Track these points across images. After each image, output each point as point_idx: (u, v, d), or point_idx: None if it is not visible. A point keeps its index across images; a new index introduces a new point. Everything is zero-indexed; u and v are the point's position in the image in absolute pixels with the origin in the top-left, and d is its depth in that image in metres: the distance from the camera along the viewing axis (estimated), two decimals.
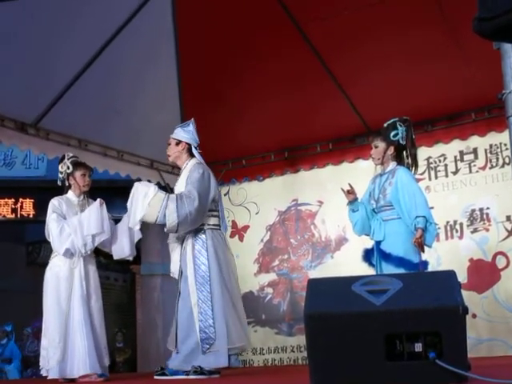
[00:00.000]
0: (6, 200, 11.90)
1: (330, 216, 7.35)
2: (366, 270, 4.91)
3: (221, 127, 7.22)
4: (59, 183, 5.53)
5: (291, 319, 7.43)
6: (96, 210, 5.28)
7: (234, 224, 7.98)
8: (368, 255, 4.97)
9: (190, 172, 4.87)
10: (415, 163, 4.98)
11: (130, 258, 5.60)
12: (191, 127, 5.04)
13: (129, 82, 6.50)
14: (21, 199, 11.78)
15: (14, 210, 11.71)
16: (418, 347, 2.53)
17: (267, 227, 7.79)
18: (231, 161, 7.84)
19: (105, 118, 6.63)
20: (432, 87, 6.20)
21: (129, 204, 4.86)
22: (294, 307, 7.44)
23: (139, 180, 7.46)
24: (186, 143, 5.02)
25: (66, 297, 5.22)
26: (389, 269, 4.61)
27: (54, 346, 5.13)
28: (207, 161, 7.60)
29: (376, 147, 4.98)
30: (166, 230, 4.80)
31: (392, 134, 4.91)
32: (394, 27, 5.70)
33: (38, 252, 12.80)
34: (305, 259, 7.49)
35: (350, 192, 5.02)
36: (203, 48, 6.40)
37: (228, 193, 8.06)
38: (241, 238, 7.92)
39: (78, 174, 5.46)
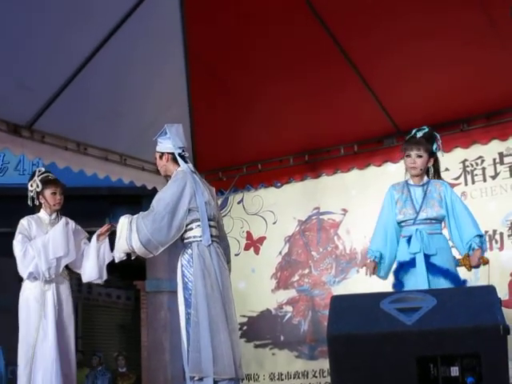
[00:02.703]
0: None
1: (356, 226, 7.31)
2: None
3: (233, 128, 7.25)
4: (29, 203, 5.72)
5: (313, 341, 7.39)
6: (61, 230, 5.51)
7: (249, 235, 7.97)
8: (401, 270, 5.04)
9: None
10: (440, 179, 5.32)
11: (100, 281, 5.80)
12: (169, 133, 5.12)
13: (132, 79, 6.52)
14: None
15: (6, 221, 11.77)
16: (455, 371, 2.52)
17: (286, 238, 7.77)
18: (245, 165, 7.82)
19: (106, 119, 6.64)
20: (469, 80, 6.17)
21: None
22: (316, 327, 7.40)
23: (144, 187, 7.51)
24: (168, 153, 5.13)
25: (36, 321, 5.39)
26: (440, 284, 4.76)
27: (20, 374, 5.35)
28: (218, 166, 7.74)
29: (420, 157, 5.17)
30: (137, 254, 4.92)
31: (434, 146, 5.21)
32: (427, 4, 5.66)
33: None
34: (328, 274, 7.46)
35: (367, 265, 5.24)
36: (213, 43, 6.44)
37: (242, 201, 8.05)
38: (256, 251, 7.91)
39: (47, 192, 5.68)
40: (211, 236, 4.94)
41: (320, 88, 6.62)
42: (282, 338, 7.59)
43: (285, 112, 6.95)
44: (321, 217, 7.61)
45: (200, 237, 4.90)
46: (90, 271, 5.67)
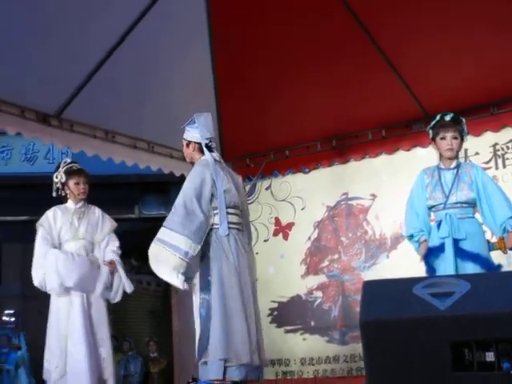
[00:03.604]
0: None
1: (385, 211, 7.25)
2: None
3: (260, 115, 7.20)
4: (54, 194, 5.80)
5: (344, 326, 7.36)
6: (82, 264, 5.54)
7: (278, 221, 7.94)
8: (431, 255, 4.99)
9: None
10: None
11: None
12: (197, 123, 5.13)
13: (160, 67, 6.51)
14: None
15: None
16: (490, 356, 2.47)
17: (315, 224, 7.73)
18: (273, 151, 7.78)
19: (133, 107, 6.64)
20: (496, 64, 6.07)
21: None
22: (346, 312, 7.37)
23: (172, 174, 7.51)
24: (195, 143, 5.14)
25: (65, 310, 5.47)
26: (469, 269, 4.71)
27: (55, 360, 5.40)
28: (246, 152, 7.70)
29: (456, 138, 5.12)
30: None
31: (465, 129, 5.18)
32: None
33: None
34: (357, 259, 7.41)
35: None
36: (238, 31, 6.41)
37: (270, 187, 8.02)
38: (285, 237, 7.88)
39: (71, 182, 5.76)
40: (231, 223, 4.94)
41: (347, 73, 6.57)
42: (312, 323, 7.57)
43: (312, 97, 6.90)
44: (349, 202, 7.56)
45: (218, 224, 4.91)
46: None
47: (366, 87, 6.68)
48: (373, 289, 2.78)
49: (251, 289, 4.96)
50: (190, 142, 5.17)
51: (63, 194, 5.79)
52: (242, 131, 7.49)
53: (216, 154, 5.17)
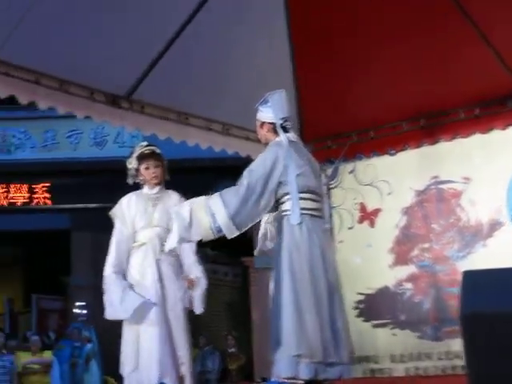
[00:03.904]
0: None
1: (480, 195, 7.09)
2: None
3: (341, 93, 7.16)
4: (128, 181, 5.79)
5: (437, 320, 7.25)
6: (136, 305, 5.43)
7: (363, 207, 7.85)
8: None
9: None
10: None
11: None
12: (270, 102, 5.09)
13: (234, 44, 6.52)
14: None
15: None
16: None
17: (403, 210, 7.61)
18: (356, 132, 7.70)
19: (207, 87, 6.67)
20: None
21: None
22: (439, 306, 7.25)
23: (249, 158, 7.51)
24: (269, 123, 5.12)
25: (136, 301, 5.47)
26: None
27: (128, 351, 5.45)
28: (327, 133, 7.65)
29: None
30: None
31: None
32: None
33: None
34: (450, 248, 7.27)
35: None
36: (317, 4, 6.39)
37: (354, 170, 7.93)
38: (371, 224, 7.78)
39: (142, 167, 5.72)
40: (304, 209, 4.88)
41: (436, 47, 6.48)
42: (402, 317, 7.47)
43: (397, 73, 6.82)
44: (440, 186, 7.43)
45: (290, 211, 4.88)
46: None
47: (457, 61, 6.58)
48: (474, 279, 2.71)
49: (328, 281, 4.88)
50: (263, 122, 5.15)
51: (138, 181, 5.79)
52: (323, 110, 7.44)
53: (292, 135, 5.13)
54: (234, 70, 6.68)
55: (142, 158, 5.73)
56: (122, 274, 5.60)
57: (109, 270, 5.60)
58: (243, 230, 4.89)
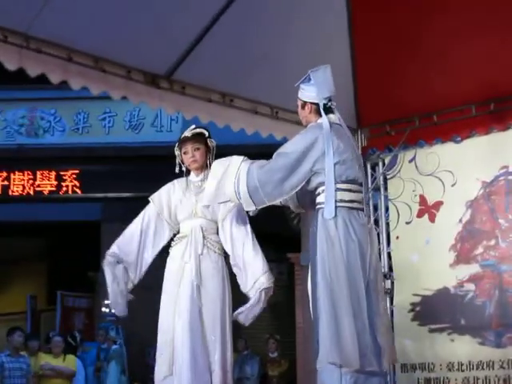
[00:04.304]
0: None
1: None
2: None
3: (402, 74, 7.17)
4: (177, 170, 5.81)
5: (500, 325, 7.23)
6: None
7: (423, 200, 7.83)
8: None
9: None
10: None
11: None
12: (313, 80, 5.12)
13: (286, 19, 6.53)
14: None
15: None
16: None
17: (467, 203, 7.58)
18: (417, 116, 7.68)
19: (255, 66, 6.70)
20: None
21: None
22: (504, 309, 7.23)
23: None
24: (312, 103, 5.14)
25: (173, 298, 5.54)
26: None
27: (160, 357, 5.53)
28: (385, 118, 7.67)
29: None
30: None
31: None
32: None
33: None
34: None
35: None
36: None
37: (414, 159, 7.90)
38: (431, 218, 7.77)
39: (182, 153, 5.75)
40: (342, 201, 4.89)
41: (510, 19, 6.42)
42: (462, 321, 7.47)
43: (464, 51, 6.82)
44: (510, 177, 7.40)
45: (324, 204, 4.90)
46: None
47: None
48: None
49: (367, 281, 4.88)
50: (305, 102, 5.18)
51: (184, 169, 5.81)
52: (381, 93, 7.45)
53: (336, 116, 5.12)
54: (284, 49, 6.68)
55: (181, 142, 5.74)
56: (121, 258, 5.67)
57: (111, 249, 5.74)
58: (261, 206, 4.96)
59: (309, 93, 5.14)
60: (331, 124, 5.00)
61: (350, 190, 4.95)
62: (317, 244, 4.85)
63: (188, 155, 5.70)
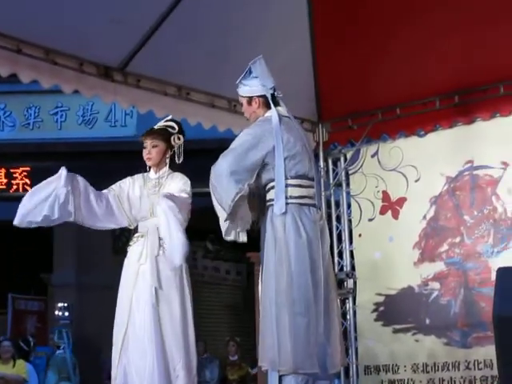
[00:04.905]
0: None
1: None
2: None
3: (365, 65, 7.20)
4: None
5: (466, 325, 7.28)
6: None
7: (386, 196, 7.87)
8: None
9: None
10: None
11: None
12: (254, 72, 5.06)
13: (243, 8, 6.52)
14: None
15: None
16: None
17: (431, 200, 7.63)
18: (381, 110, 7.71)
19: (212, 57, 6.70)
20: None
21: None
22: (469, 308, 7.29)
23: None
24: (259, 97, 5.07)
25: (127, 301, 5.51)
26: None
27: (113, 365, 5.48)
28: (347, 111, 7.68)
29: None
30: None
31: None
32: None
33: (127, 236, 13.27)
34: (484, 243, 7.29)
35: None
36: None
37: (377, 153, 7.94)
38: (395, 215, 7.81)
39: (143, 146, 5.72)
40: (292, 198, 4.86)
41: (472, 15, 6.51)
42: (427, 321, 7.52)
43: (428, 44, 6.86)
44: (475, 172, 7.45)
45: (274, 201, 4.87)
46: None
47: (497, 30, 6.60)
48: (510, 278, 2.74)
49: (317, 279, 4.84)
50: (251, 97, 5.10)
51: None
52: (343, 85, 7.48)
53: (283, 109, 5.08)
54: (243, 40, 6.67)
55: (144, 135, 5.70)
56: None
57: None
58: (229, 209, 4.80)
59: (253, 87, 5.07)
60: (280, 117, 4.97)
61: (300, 186, 4.93)
62: (265, 243, 4.85)
63: (145, 151, 5.67)
